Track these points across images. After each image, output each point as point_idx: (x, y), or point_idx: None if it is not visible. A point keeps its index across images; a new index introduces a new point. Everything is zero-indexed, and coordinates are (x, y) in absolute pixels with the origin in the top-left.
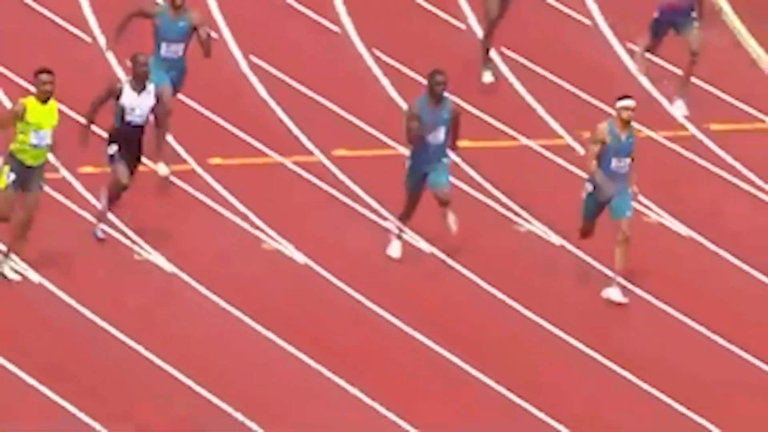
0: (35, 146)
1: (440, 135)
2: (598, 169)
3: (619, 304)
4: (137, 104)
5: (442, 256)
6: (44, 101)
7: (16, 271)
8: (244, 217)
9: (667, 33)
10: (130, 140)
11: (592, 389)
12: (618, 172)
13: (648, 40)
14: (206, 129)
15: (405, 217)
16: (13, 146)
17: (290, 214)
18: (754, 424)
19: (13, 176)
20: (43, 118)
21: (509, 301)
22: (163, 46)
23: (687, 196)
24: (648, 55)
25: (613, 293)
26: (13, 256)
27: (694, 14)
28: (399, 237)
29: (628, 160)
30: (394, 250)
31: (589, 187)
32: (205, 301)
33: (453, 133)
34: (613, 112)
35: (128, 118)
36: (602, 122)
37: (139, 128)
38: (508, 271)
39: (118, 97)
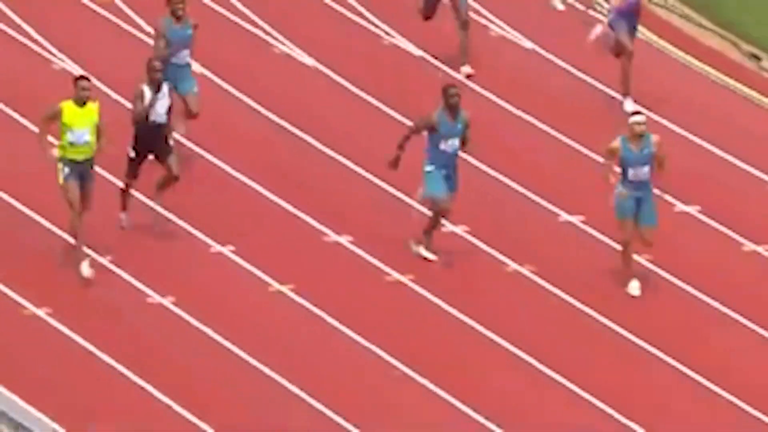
0: (72, 144)
1: (456, 144)
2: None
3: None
4: (156, 104)
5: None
6: (82, 104)
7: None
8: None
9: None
10: (155, 137)
11: None
12: (636, 180)
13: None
14: None
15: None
16: (59, 146)
17: None
18: None
19: (67, 170)
20: (78, 120)
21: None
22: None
23: None
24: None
25: (633, 287)
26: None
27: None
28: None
29: (646, 169)
30: (417, 248)
31: (621, 188)
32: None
33: (463, 137)
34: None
35: (150, 118)
36: (615, 139)
37: (161, 127)
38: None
39: (141, 100)
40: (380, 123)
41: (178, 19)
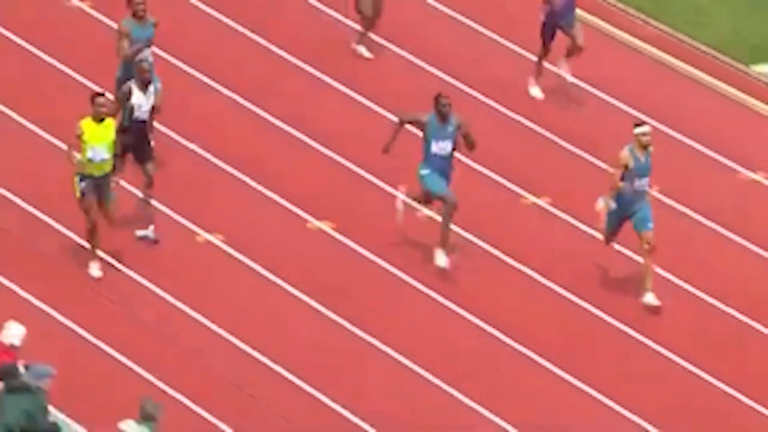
0: (91, 160)
1: (448, 147)
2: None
3: (656, 307)
4: (143, 102)
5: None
6: (100, 121)
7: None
8: None
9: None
10: (139, 134)
11: None
12: (639, 190)
13: (542, 50)
14: None
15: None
16: (77, 160)
17: None
18: None
19: (83, 184)
20: (97, 137)
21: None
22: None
23: None
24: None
25: (649, 298)
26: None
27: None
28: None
29: (647, 179)
30: (441, 259)
31: (613, 204)
32: None
33: (465, 141)
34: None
35: (136, 114)
36: (623, 149)
37: (144, 123)
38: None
39: (128, 98)
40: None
41: (140, 18)
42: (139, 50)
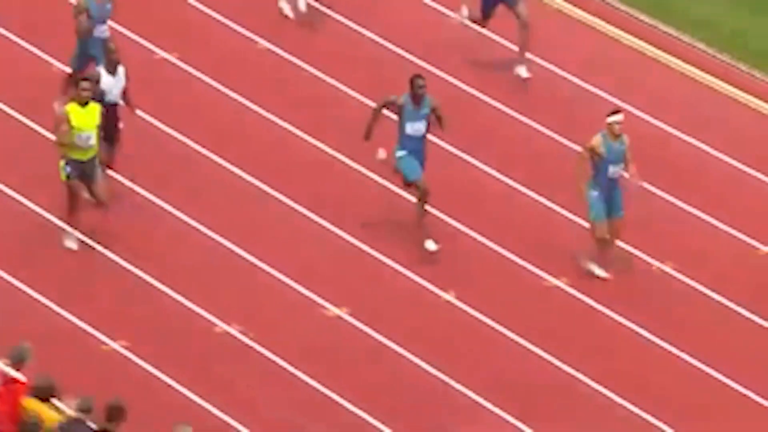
0: (78, 146)
1: (422, 129)
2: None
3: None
4: (113, 85)
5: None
6: (84, 105)
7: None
8: None
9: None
10: (109, 117)
11: None
12: (614, 177)
13: (478, 14)
14: None
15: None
16: (62, 144)
17: None
18: None
19: (69, 168)
20: (84, 121)
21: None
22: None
23: None
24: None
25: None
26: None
27: None
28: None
29: (621, 165)
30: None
31: (593, 192)
32: None
33: (438, 122)
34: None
35: (106, 98)
36: (596, 135)
37: (115, 106)
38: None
39: (97, 82)
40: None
41: None
42: (96, 25)
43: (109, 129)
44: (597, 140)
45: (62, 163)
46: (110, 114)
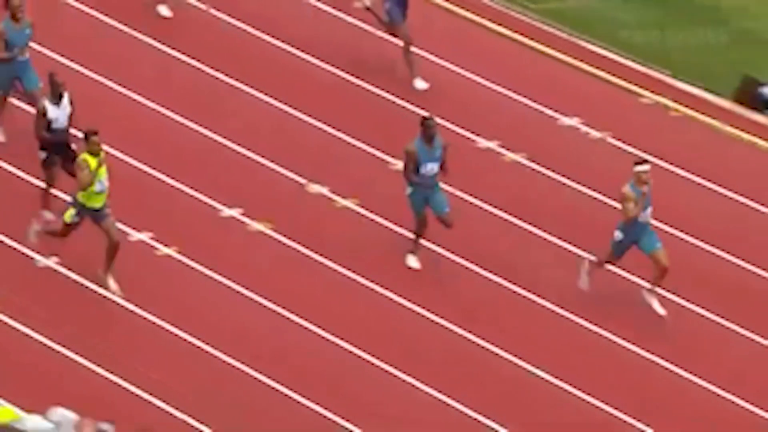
0: (99, 192)
1: (435, 168)
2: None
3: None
4: (58, 115)
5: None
6: (96, 155)
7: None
8: None
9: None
10: (59, 145)
11: None
12: (644, 221)
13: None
14: None
15: (419, 235)
16: (80, 195)
17: None
18: None
19: (77, 218)
20: (101, 170)
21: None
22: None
23: None
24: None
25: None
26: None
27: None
28: (413, 252)
29: (650, 210)
30: (412, 261)
31: (619, 235)
32: None
33: (442, 162)
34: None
35: (53, 126)
36: (626, 186)
37: (64, 132)
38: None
39: (44, 114)
40: None
41: (18, 20)
42: (14, 56)
43: (63, 156)
44: (629, 192)
45: (73, 211)
46: (60, 141)
